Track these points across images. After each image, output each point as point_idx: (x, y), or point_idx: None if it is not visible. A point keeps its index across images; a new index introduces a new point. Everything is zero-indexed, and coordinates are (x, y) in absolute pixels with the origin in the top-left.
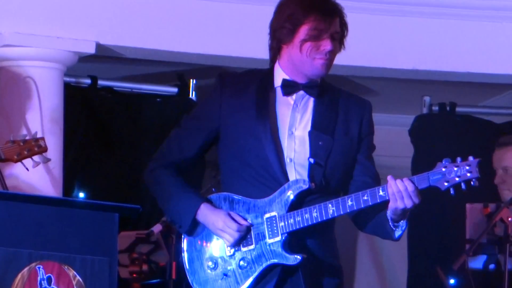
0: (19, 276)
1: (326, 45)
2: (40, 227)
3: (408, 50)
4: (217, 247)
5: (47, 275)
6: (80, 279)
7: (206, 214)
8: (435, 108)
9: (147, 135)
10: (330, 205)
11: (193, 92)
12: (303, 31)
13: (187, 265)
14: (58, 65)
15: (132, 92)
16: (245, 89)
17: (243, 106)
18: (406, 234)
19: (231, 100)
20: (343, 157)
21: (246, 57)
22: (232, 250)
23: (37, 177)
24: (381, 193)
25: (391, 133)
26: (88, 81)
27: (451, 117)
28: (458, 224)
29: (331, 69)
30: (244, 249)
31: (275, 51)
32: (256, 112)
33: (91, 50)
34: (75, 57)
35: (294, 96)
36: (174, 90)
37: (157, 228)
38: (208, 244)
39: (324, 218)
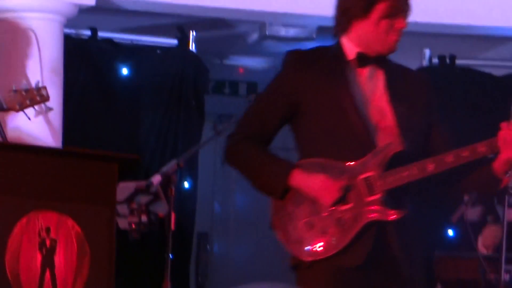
0: (18, 225)
1: (401, 23)
2: (39, 177)
3: None
4: (311, 209)
5: (46, 225)
6: (79, 229)
7: (300, 178)
8: (435, 60)
9: (147, 87)
10: (428, 162)
11: (193, 44)
12: (381, 8)
13: (277, 228)
14: (58, 16)
15: (132, 44)
16: (319, 64)
17: (321, 80)
18: None
19: (308, 74)
20: (421, 122)
21: (245, 9)
22: (329, 210)
23: (37, 127)
24: (481, 149)
25: None
26: (88, 32)
27: (451, 69)
28: None
29: (332, 21)
30: (341, 208)
31: (345, 25)
32: (336, 84)
33: (91, 1)
34: (75, 8)
35: (367, 68)
36: (174, 42)
37: (156, 179)
38: (301, 207)
39: (424, 175)
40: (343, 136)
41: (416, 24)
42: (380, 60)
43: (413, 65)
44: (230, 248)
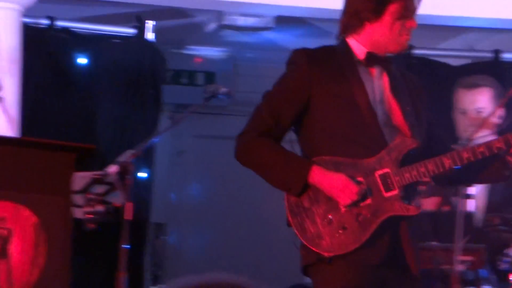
0: None
1: (412, 23)
2: None
3: None
4: (329, 205)
5: (1, 215)
6: (36, 219)
7: (320, 176)
8: None
9: (104, 76)
10: (445, 158)
11: (152, 34)
12: (393, 9)
13: (294, 225)
14: (16, 5)
15: (90, 33)
16: (330, 61)
17: (334, 76)
18: None
19: (319, 72)
20: (425, 122)
21: None
22: (349, 206)
23: None
24: (498, 144)
25: None
26: (46, 21)
27: (408, 59)
28: None
29: (292, 11)
30: (361, 204)
31: (355, 27)
32: (350, 81)
33: None
34: None
35: (375, 68)
36: (132, 31)
37: (113, 169)
38: (319, 203)
39: (441, 171)
40: (357, 132)
41: None
42: (386, 60)
43: None
44: (186, 238)
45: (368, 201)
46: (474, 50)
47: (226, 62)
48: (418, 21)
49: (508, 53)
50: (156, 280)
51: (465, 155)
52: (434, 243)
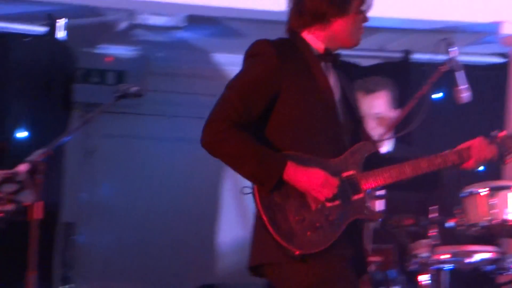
0: None
1: (366, 17)
2: None
3: None
4: (300, 202)
5: None
6: None
7: (296, 172)
8: None
9: (15, 75)
10: (407, 166)
11: (63, 32)
12: (356, 5)
13: (267, 220)
14: None
15: (1, 31)
16: (294, 55)
17: (300, 71)
18: None
19: (288, 65)
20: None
21: None
22: (319, 205)
23: None
24: (452, 157)
25: None
26: None
27: None
28: None
29: (203, 10)
30: (329, 204)
31: (316, 23)
32: (314, 78)
33: None
34: None
35: (328, 64)
36: (44, 29)
37: (23, 167)
38: (290, 200)
39: (402, 178)
40: (321, 130)
41: (282, 13)
42: (338, 57)
43: None
44: (96, 238)
45: (337, 202)
46: (385, 51)
47: (137, 61)
48: None
49: (417, 54)
50: (66, 280)
51: (423, 165)
52: None
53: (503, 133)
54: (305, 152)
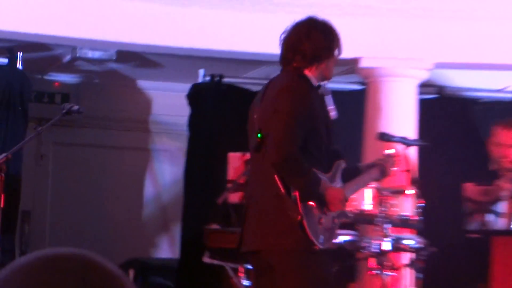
0: None
1: (337, 59)
2: None
3: (185, 31)
4: (319, 210)
5: None
6: None
7: (326, 187)
8: (207, 78)
9: None
10: (366, 176)
11: (20, 62)
12: (336, 50)
13: (304, 219)
14: None
15: None
16: (311, 89)
17: (317, 102)
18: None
19: (313, 100)
20: None
21: (60, 35)
22: (328, 212)
23: None
24: (376, 173)
25: (173, 97)
26: None
27: (219, 85)
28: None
29: (128, 47)
30: (331, 213)
31: (313, 63)
32: (324, 109)
33: None
34: None
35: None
36: (5, 61)
37: None
38: (315, 207)
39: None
40: (323, 151)
41: (193, 49)
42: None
43: (190, 81)
44: (47, 221)
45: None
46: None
47: (79, 85)
48: (227, 55)
49: None
50: (24, 254)
51: (374, 175)
52: (238, 228)
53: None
54: (319, 170)
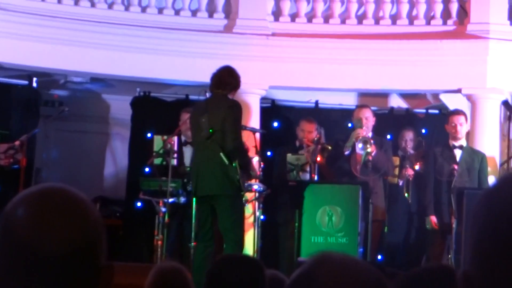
0: None
1: None
2: None
3: (130, 66)
4: (245, 173)
5: None
6: None
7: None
8: (142, 93)
9: (15, 103)
10: None
11: (35, 83)
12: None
13: (241, 180)
14: None
15: (7, 82)
16: None
17: None
18: None
19: None
20: None
21: (60, 68)
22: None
23: None
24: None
25: (122, 103)
26: None
27: (148, 97)
28: None
29: (97, 75)
30: None
31: (232, 92)
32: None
33: None
34: None
35: None
36: (25, 82)
37: (17, 142)
38: (243, 172)
39: None
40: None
41: (134, 77)
42: None
43: (131, 95)
44: (51, 177)
45: None
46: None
47: (69, 97)
48: (153, 80)
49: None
50: None
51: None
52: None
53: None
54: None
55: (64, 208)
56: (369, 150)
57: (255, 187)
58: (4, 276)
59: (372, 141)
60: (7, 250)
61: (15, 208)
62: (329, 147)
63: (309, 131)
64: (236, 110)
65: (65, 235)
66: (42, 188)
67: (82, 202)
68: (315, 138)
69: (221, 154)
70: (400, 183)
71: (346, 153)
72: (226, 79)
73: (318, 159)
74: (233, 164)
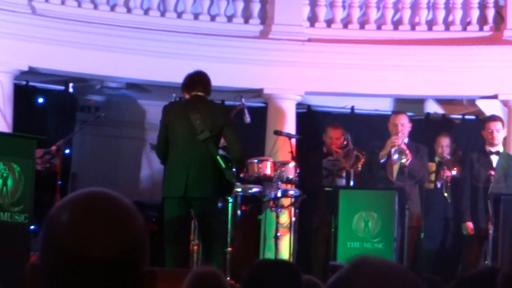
0: None
1: None
2: (6, 146)
3: (165, 71)
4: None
5: (3, 167)
6: (19, 168)
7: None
8: (177, 98)
9: (51, 108)
10: None
11: (71, 89)
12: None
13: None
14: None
15: (45, 88)
16: None
17: None
18: None
19: None
20: None
21: (96, 74)
22: None
23: None
24: None
25: (156, 109)
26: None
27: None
28: None
29: (133, 80)
30: None
31: (189, 90)
32: None
33: None
34: None
35: None
36: (62, 88)
37: (54, 147)
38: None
39: None
40: None
41: (169, 82)
42: None
43: (167, 100)
44: (88, 181)
45: None
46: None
47: (105, 102)
48: None
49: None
50: None
51: None
52: None
53: None
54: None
55: (109, 213)
56: (404, 160)
57: (291, 192)
58: (47, 280)
59: (407, 151)
60: (50, 254)
61: (60, 213)
62: (362, 154)
63: (337, 138)
64: (231, 115)
65: (109, 241)
66: (87, 192)
67: (127, 207)
68: (343, 143)
69: (218, 157)
70: (438, 185)
71: (382, 161)
72: (207, 82)
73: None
74: (231, 169)
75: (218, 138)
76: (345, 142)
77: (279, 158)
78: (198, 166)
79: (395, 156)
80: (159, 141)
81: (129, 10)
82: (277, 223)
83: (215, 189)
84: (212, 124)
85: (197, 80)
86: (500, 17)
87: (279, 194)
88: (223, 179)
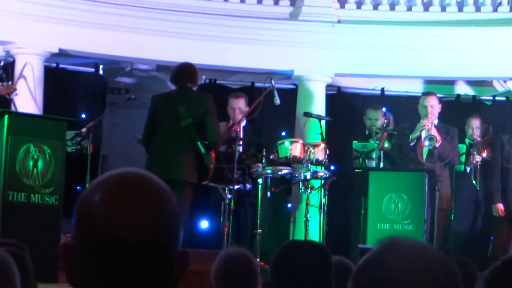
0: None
1: None
2: (37, 130)
3: (194, 53)
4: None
5: (34, 148)
6: (50, 150)
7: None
8: (207, 80)
9: (82, 90)
10: None
11: (102, 71)
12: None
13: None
14: None
15: (76, 70)
16: None
17: None
18: None
19: None
20: None
21: (126, 56)
22: None
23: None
24: None
25: None
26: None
27: (213, 84)
28: None
29: (163, 62)
30: None
31: (195, 86)
32: None
33: None
34: None
35: None
36: (92, 70)
37: (84, 129)
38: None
39: None
40: None
41: (198, 64)
42: None
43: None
44: (118, 163)
45: None
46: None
47: (135, 84)
48: (219, 68)
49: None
50: None
51: None
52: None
53: None
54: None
55: (142, 194)
56: (434, 144)
57: (321, 173)
58: (79, 261)
59: (437, 137)
60: (83, 235)
61: (92, 194)
62: (395, 133)
63: (377, 119)
64: (214, 104)
65: (143, 223)
66: (119, 173)
67: (160, 188)
68: (383, 125)
69: (199, 143)
70: (468, 170)
71: (412, 144)
72: (194, 73)
73: (386, 145)
74: (208, 155)
75: (200, 126)
76: (385, 122)
77: (309, 139)
78: (175, 149)
79: (426, 143)
80: (145, 129)
81: None
82: (307, 204)
83: (191, 173)
84: (195, 112)
85: (184, 72)
86: None
87: (308, 176)
88: (201, 164)
